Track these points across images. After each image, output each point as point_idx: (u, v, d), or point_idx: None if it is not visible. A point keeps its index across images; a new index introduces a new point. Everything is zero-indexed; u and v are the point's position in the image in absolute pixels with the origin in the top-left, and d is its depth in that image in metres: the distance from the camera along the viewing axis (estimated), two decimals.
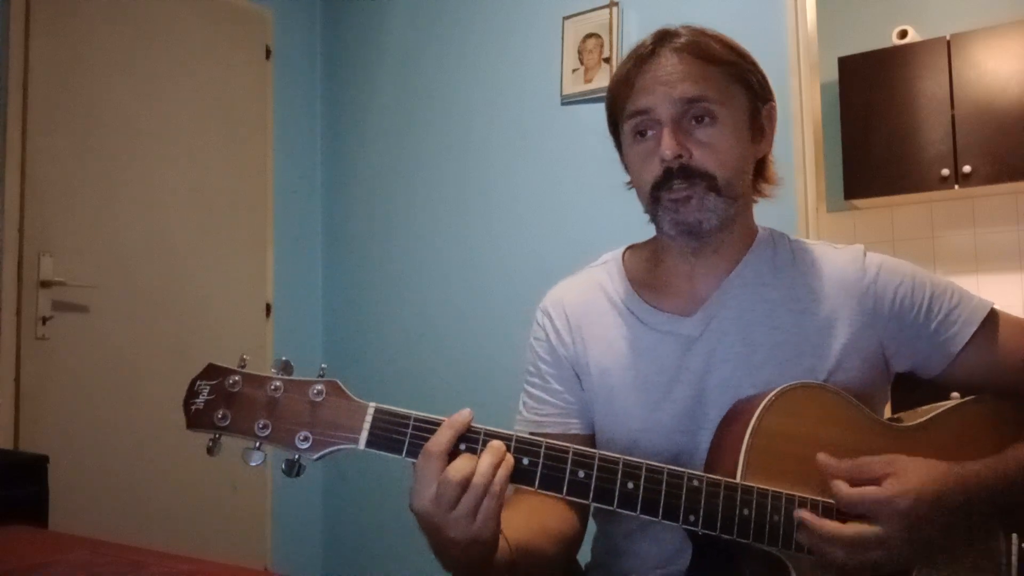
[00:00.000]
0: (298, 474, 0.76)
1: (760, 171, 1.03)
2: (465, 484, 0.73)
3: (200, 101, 2.70)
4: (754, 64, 0.98)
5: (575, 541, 0.99)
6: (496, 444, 0.76)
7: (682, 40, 0.95)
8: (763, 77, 0.99)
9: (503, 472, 0.75)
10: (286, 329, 2.94)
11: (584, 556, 1.09)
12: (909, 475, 0.81)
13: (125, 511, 2.28)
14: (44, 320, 2.19)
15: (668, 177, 0.92)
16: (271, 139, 2.96)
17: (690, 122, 0.93)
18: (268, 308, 2.89)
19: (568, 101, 2.56)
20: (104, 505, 2.23)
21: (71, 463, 2.11)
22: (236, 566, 1.00)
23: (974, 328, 0.94)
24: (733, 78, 0.95)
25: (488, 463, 0.74)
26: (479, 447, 0.76)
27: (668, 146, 0.91)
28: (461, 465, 0.74)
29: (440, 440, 0.75)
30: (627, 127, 0.97)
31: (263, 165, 2.93)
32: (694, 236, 0.95)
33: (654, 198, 0.95)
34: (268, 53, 2.97)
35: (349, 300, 3.06)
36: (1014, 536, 0.88)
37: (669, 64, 0.93)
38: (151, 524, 2.28)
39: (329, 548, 3.00)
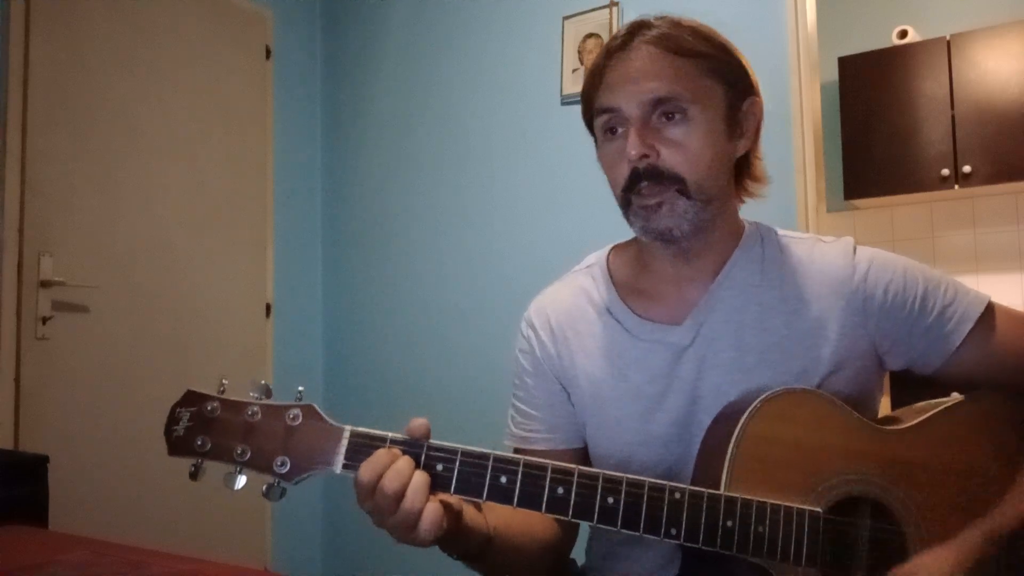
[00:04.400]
0: (280, 497, 0.77)
1: (744, 169, 0.99)
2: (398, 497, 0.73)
3: (200, 101, 2.70)
4: (732, 56, 0.93)
5: (561, 544, 0.98)
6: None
7: (654, 33, 0.91)
8: (743, 71, 0.94)
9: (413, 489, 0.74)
10: (286, 329, 2.94)
11: (581, 558, 1.08)
12: None
13: (125, 511, 2.28)
14: (44, 320, 2.19)
15: (635, 179, 0.89)
16: (271, 139, 2.96)
17: (660, 119, 0.89)
18: (268, 308, 2.89)
19: (568, 101, 2.56)
20: (104, 505, 2.23)
21: (71, 463, 2.11)
22: (236, 566, 1.00)
23: (971, 324, 0.91)
24: (708, 72, 0.90)
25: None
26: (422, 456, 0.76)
27: (633, 146, 0.88)
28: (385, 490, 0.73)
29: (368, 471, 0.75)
30: (597, 124, 0.94)
31: (263, 165, 2.93)
32: (667, 242, 0.93)
33: (624, 200, 0.92)
34: (268, 53, 2.97)
35: (349, 300, 3.05)
36: None
37: (639, 60, 0.89)
38: (151, 524, 2.28)
39: (329, 548, 3.00)
